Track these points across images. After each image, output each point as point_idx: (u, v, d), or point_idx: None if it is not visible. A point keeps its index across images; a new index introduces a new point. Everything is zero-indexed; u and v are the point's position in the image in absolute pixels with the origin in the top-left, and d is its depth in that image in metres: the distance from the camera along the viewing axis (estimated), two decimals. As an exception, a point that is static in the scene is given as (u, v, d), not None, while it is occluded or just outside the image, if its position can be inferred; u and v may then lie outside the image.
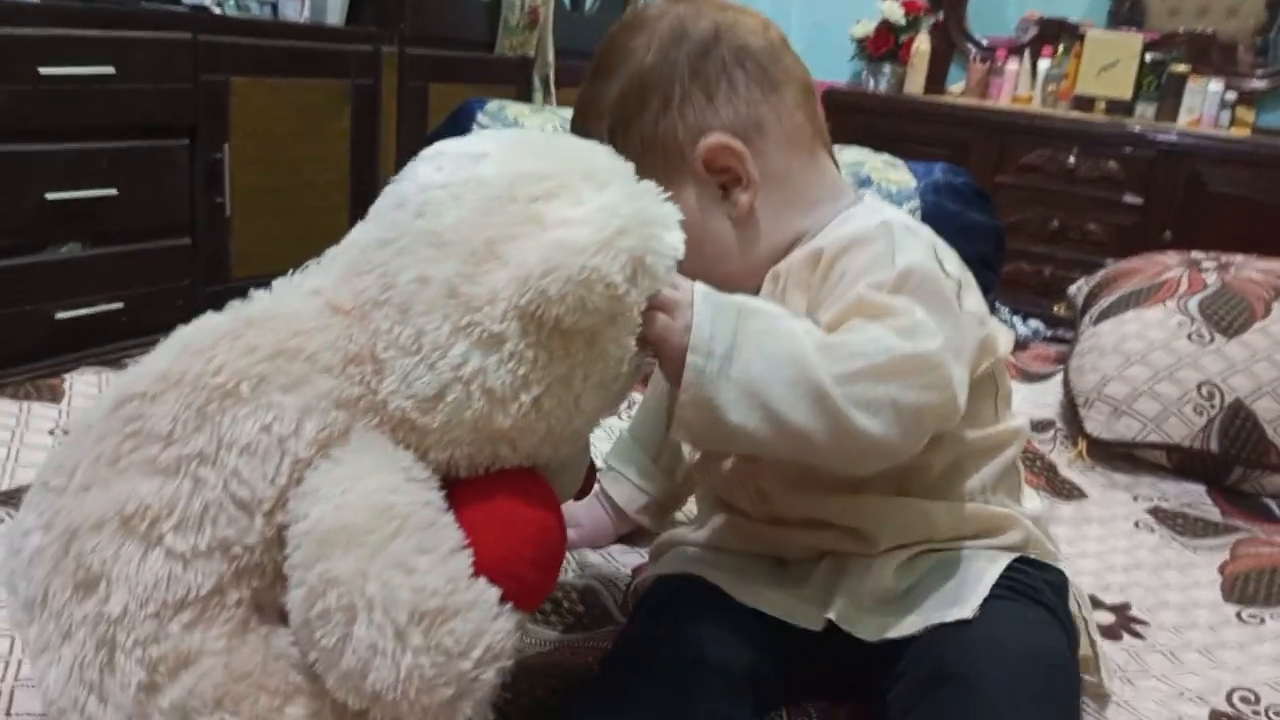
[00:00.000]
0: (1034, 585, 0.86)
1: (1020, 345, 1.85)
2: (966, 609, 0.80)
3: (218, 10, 2.57)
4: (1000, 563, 0.85)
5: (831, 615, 0.84)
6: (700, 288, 0.74)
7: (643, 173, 0.89)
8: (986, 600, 0.81)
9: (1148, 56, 3.39)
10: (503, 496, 0.71)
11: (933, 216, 1.64)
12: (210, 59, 2.45)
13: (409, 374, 0.68)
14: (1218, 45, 3.45)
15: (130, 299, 2.36)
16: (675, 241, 0.71)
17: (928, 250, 0.83)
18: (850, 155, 1.74)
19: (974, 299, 0.87)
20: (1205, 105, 3.33)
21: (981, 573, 0.84)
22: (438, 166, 0.74)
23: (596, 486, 1.08)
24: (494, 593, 0.65)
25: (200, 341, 0.70)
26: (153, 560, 0.65)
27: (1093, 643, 0.92)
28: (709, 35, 0.89)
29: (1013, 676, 0.75)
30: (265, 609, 0.68)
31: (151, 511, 0.65)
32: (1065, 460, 1.48)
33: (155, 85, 2.34)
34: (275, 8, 2.77)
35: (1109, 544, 1.29)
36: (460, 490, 0.70)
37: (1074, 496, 1.40)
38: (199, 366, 0.68)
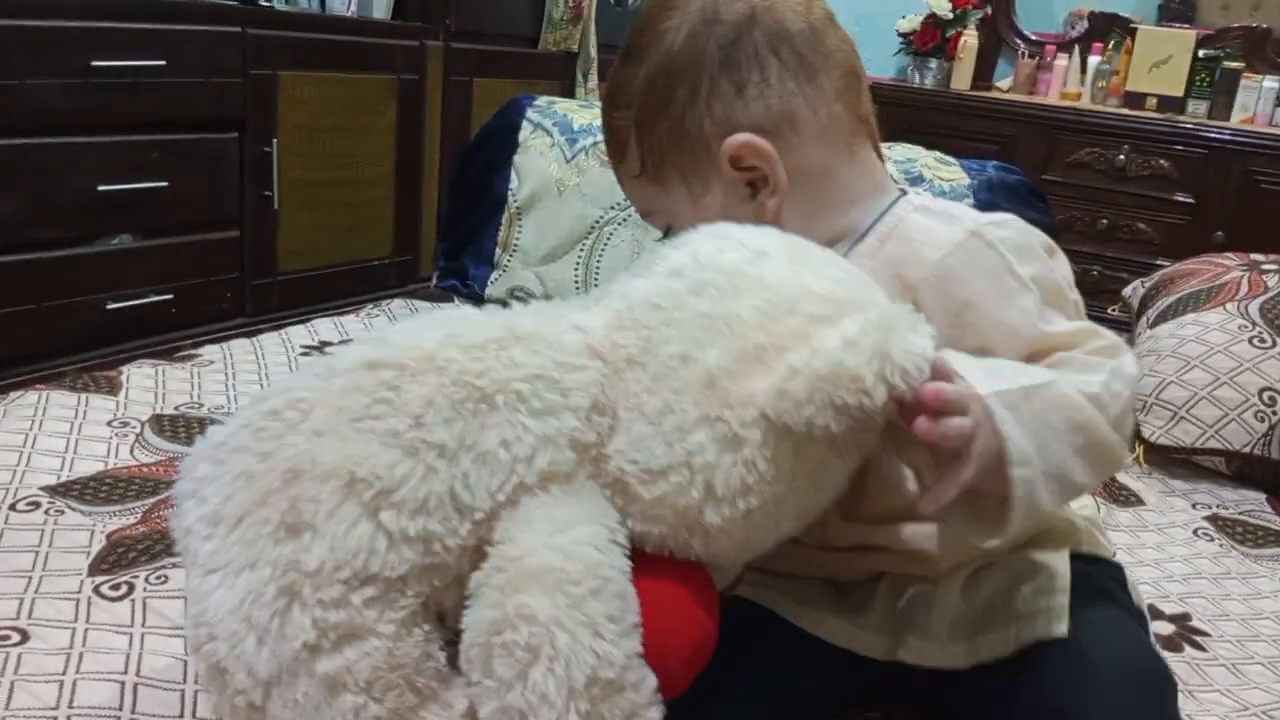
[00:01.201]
0: (1102, 585, 0.84)
1: (1074, 347, 1.82)
2: (1059, 624, 0.77)
3: (266, 3, 2.58)
4: (1064, 561, 0.83)
5: (907, 658, 0.82)
6: (983, 387, 0.68)
7: (670, 165, 0.87)
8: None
9: (1200, 52, 3.33)
10: (679, 590, 0.71)
11: (987, 216, 1.62)
12: (259, 52, 2.46)
13: (642, 442, 0.69)
14: (1273, 41, 3.38)
15: (180, 291, 2.38)
16: (923, 343, 0.68)
17: (1024, 239, 0.80)
18: (901, 152, 1.72)
19: (1060, 254, 0.85)
20: (1260, 102, 3.26)
21: (1053, 576, 0.81)
22: (720, 248, 0.74)
23: None
24: (654, 680, 0.66)
25: (468, 337, 0.71)
26: (363, 529, 0.65)
27: None
28: (742, 18, 0.84)
29: (1118, 705, 0.72)
30: (428, 608, 0.69)
31: (380, 483, 0.65)
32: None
33: (205, 78, 2.36)
34: (323, 2, 2.78)
35: (1167, 552, 1.27)
36: (641, 567, 0.70)
37: (1131, 503, 1.37)
38: (465, 363, 0.69)
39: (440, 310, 0.76)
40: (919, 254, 0.81)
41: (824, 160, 0.85)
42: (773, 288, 0.71)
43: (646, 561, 0.70)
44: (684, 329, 0.70)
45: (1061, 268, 0.83)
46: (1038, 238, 0.82)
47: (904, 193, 0.89)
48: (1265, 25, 3.39)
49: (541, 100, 1.82)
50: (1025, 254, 0.79)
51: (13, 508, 1.02)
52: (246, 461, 0.68)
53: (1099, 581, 0.84)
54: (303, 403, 0.69)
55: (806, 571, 0.89)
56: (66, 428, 1.19)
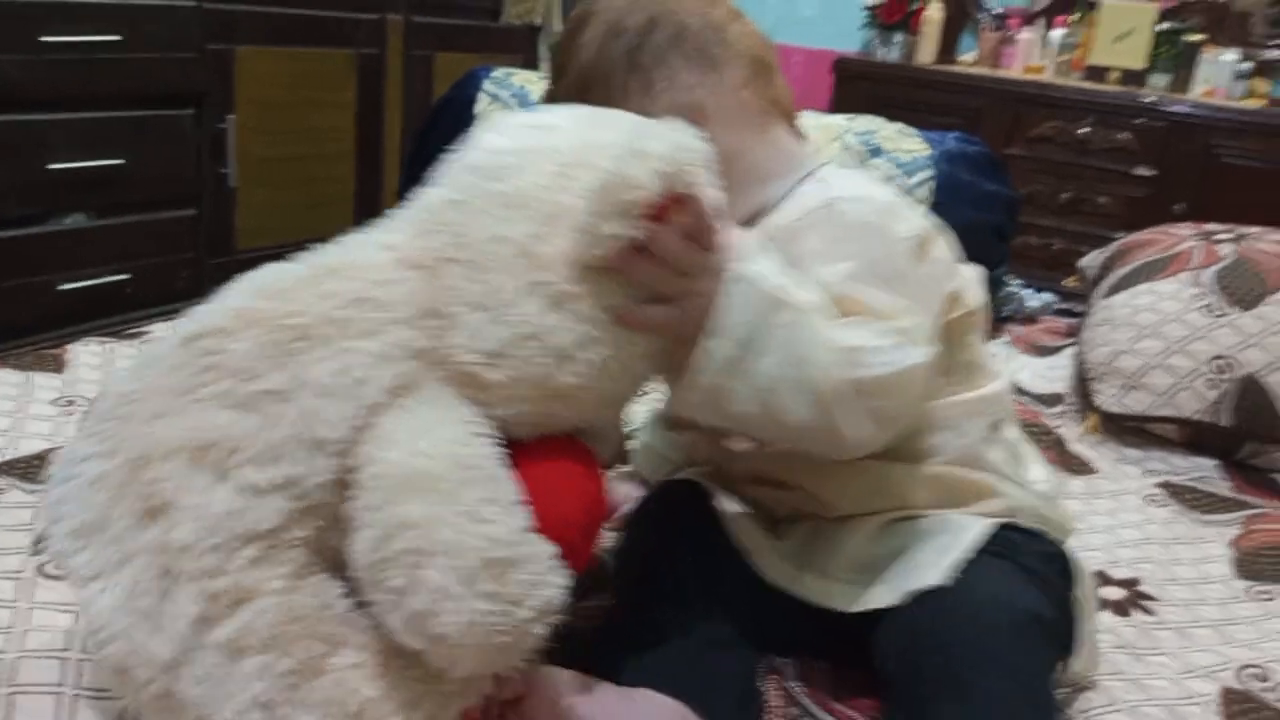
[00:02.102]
0: (1017, 549, 0.85)
1: (1031, 318, 1.84)
2: (939, 574, 0.81)
3: (222, -23, 2.54)
4: (980, 526, 0.85)
5: (801, 593, 0.86)
6: (741, 264, 0.74)
7: None
8: (965, 565, 0.81)
9: (1162, 25, 3.34)
10: (556, 461, 0.73)
11: (947, 186, 1.62)
12: (216, 27, 2.43)
13: (478, 329, 0.71)
14: (1233, 15, 3.40)
15: (135, 270, 2.35)
16: (689, 139, 0.71)
17: (877, 218, 0.84)
18: (863, 123, 1.72)
19: (941, 248, 0.89)
20: (1220, 75, 3.28)
21: (960, 536, 0.84)
22: (508, 135, 0.77)
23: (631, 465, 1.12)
24: (550, 548, 0.67)
25: (277, 285, 0.72)
26: (222, 492, 0.65)
27: (1085, 629, 0.90)
28: (643, 25, 0.89)
29: (979, 649, 0.75)
30: (321, 553, 0.69)
31: (226, 444, 0.66)
32: (1075, 434, 1.47)
33: (161, 54, 2.33)
34: (280, -25, 2.74)
35: (1119, 518, 1.28)
36: (516, 452, 0.71)
37: (1084, 471, 1.39)
38: (278, 307, 0.70)
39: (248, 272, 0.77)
40: (780, 221, 0.87)
41: (735, 144, 0.89)
42: (564, 152, 0.74)
43: (522, 447, 0.72)
44: (489, 214, 0.72)
45: (932, 258, 0.86)
46: (896, 221, 0.86)
47: (821, 168, 0.93)
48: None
49: (499, 72, 1.80)
50: (866, 230, 0.84)
51: (-45, 487, 1.00)
52: (94, 467, 0.68)
53: (1015, 549, 0.85)
54: (132, 394, 0.69)
55: (740, 498, 0.95)
56: (12, 406, 1.18)
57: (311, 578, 0.67)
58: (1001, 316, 1.81)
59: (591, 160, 0.72)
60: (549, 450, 0.74)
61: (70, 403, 1.20)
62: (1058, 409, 1.52)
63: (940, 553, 0.83)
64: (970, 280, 0.94)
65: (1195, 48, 3.31)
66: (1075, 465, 1.39)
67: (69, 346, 1.34)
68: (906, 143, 1.71)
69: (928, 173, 1.65)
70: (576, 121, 0.77)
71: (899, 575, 0.83)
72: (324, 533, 0.68)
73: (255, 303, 0.70)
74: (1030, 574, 0.84)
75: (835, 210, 0.84)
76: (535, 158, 0.74)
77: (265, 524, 0.65)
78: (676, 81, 0.88)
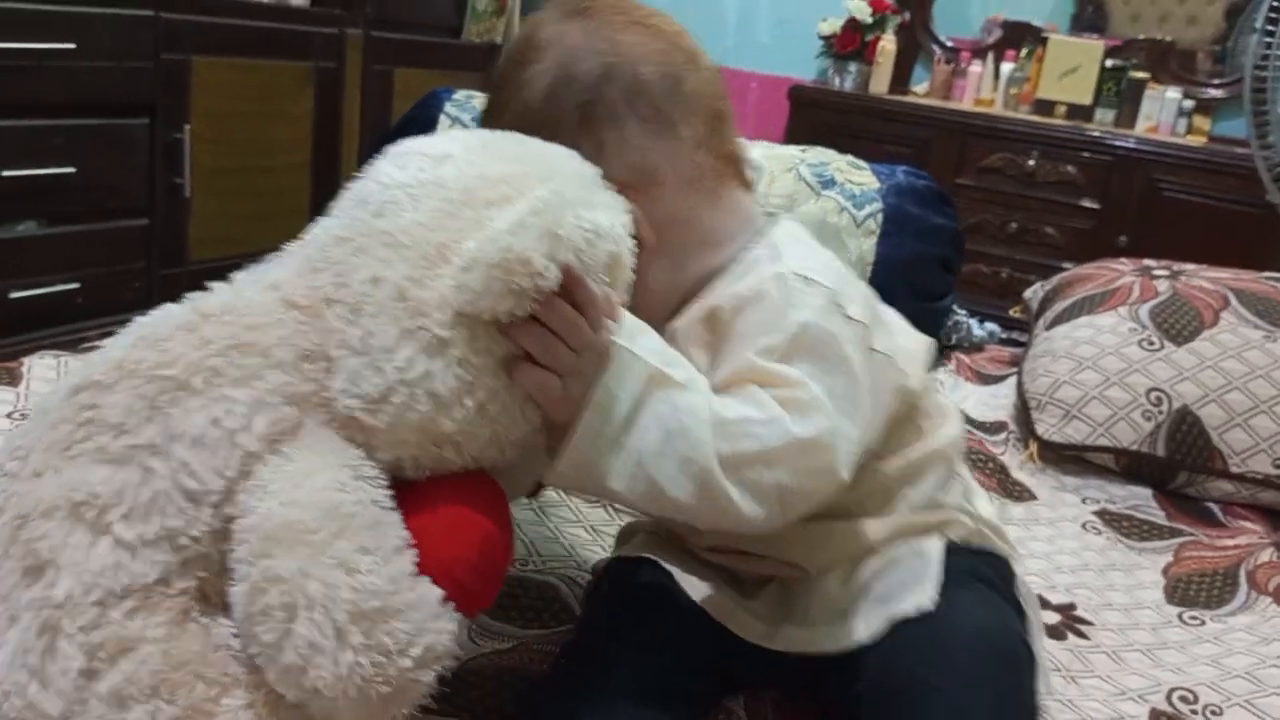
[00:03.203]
0: (979, 571, 0.86)
1: (976, 347, 1.88)
2: (925, 599, 0.79)
3: (181, -12, 2.53)
4: (937, 546, 0.85)
5: (782, 647, 0.84)
6: (621, 342, 0.73)
7: None
8: (945, 588, 0.80)
9: (1108, 62, 3.43)
10: (451, 500, 0.71)
11: (895, 219, 1.66)
12: (172, 37, 2.42)
13: (357, 374, 0.69)
14: (1176, 53, 3.50)
15: (86, 279, 2.33)
16: (597, 218, 0.70)
17: (824, 301, 0.79)
18: (815, 155, 1.76)
19: (885, 338, 0.85)
20: (1163, 112, 3.38)
21: (927, 560, 0.84)
22: (401, 165, 0.74)
23: None
24: (436, 593, 0.66)
25: (156, 332, 0.71)
26: (100, 548, 0.65)
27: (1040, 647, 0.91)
28: (596, 77, 0.83)
29: (968, 681, 0.74)
30: (210, 599, 0.69)
31: (101, 500, 0.66)
32: (1017, 462, 1.51)
33: (115, 63, 2.31)
34: (240, -13, 2.73)
35: (1057, 545, 1.32)
36: (411, 491, 0.71)
37: (1024, 498, 1.43)
38: (153, 357, 0.69)
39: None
40: (733, 289, 0.83)
41: (688, 209, 0.86)
42: (449, 185, 0.71)
43: (417, 487, 0.71)
44: (371, 253, 0.70)
45: (879, 339, 0.83)
46: (845, 305, 0.80)
47: (771, 230, 0.90)
48: (1169, 38, 3.51)
49: (460, 94, 1.82)
50: (806, 304, 0.79)
51: (-96, 500, 0.99)
52: None
53: (977, 569, 0.86)
54: (20, 449, 0.70)
55: (704, 564, 0.91)
56: (-37, 419, 1.17)
57: (195, 623, 0.67)
58: (949, 345, 1.85)
59: (474, 195, 0.70)
60: (444, 489, 0.72)
61: (24, 417, 1.19)
62: (1001, 436, 1.56)
63: (915, 576, 0.81)
64: (917, 354, 0.91)
65: (1140, 85, 3.40)
66: (1016, 492, 1.43)
67: (24, 359, 1.32)
68: (857, 175, 1.75)
69: (876, 205, 1.69)
70: (469, 150, 0.74)
71: (879, 604, 0.81)
72: (210, 581, 0.68)
73: (132, 353, 0.70)
74: (1007, 597, 0.85)
75: (784, 285, 0.80)
76: (422, 193, 0.71)
77: (145, 577, 0.66)
78: (629, 144, 0.83)
